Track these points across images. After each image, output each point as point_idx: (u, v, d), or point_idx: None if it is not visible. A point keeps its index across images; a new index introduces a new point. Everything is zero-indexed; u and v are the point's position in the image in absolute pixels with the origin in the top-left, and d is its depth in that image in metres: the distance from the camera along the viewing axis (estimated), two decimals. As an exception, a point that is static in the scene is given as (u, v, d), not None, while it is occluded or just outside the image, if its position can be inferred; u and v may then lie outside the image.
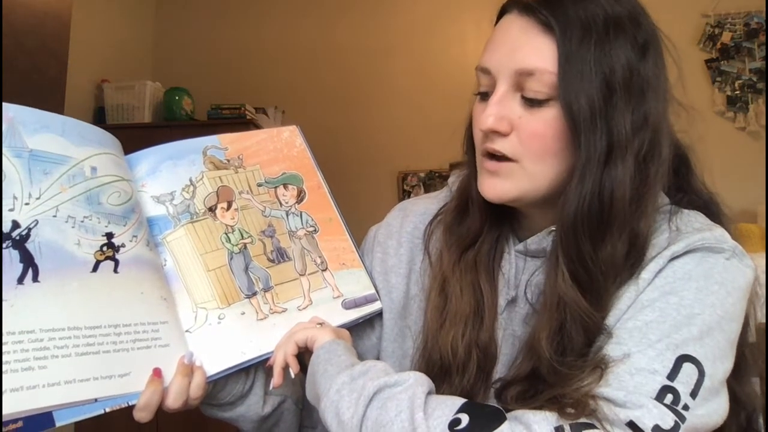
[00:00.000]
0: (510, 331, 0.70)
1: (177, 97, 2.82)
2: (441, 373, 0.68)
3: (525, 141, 0.61)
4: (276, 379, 0.66)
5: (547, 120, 0.60)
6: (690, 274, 0.60)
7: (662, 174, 0.62)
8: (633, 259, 0.61)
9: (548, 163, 0.61)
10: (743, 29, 3.00)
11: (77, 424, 0.57)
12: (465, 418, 0.54)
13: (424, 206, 0.81)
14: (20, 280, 0.53)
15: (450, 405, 0.56)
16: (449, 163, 0.73)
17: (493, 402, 0.66)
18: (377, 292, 0.79)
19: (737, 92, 2.97)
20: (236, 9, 3.37)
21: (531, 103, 0.61)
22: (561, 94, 0.59)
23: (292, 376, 0.67)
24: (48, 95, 1.77)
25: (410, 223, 0.81)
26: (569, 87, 0.58)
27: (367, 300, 0.77)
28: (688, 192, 0.70)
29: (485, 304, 0.69)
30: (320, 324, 0.70)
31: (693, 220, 0.65)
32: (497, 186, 0.64)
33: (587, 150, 0.58)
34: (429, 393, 0.58)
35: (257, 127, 2.83)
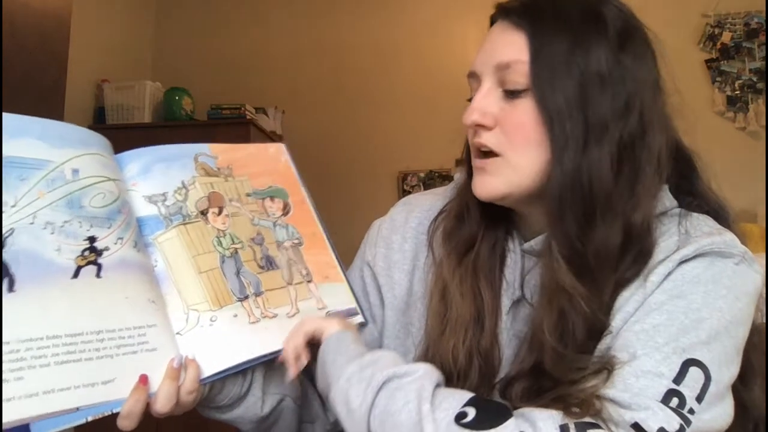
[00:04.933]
0: (514, 332, 0.70)
1: (177, 97, 2.82)
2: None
3: (508, 132, 0.64)
4: (291, 371, 0.66)
5: (527, 110, 0.62)
6: (699, 278, 0.60)
7: (652, 162, 0.62)
8: (634, 253, 0.61)
9: (531, 152, 0.63)
10: (743, 29, 2.99)
11: (76, 427, 0.56)
12: (471, 412, 0.54)
13: (430, 202, 0.81)
14: None
15: (458, 398, 0.56)
16: (455, 159, 0.74)
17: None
18: (359, 306, 0.79)
19: (737, 92, 2.96)
20: (236, 9, 3.36)
21: (511, 95, 0.64)
22: (533, 82, 0.62)
23: (304, 362, 0.66)
24: (48, 95, 1.77)
25: (415, 218, 0.81)
26: (541, 75, 0.61)
27: (349, 313, 0.77)
28: (696, 196, 0.70)
29: (486, 310, 0.69)
30: (328, 313, 0.70)
31: (702, 223, 0.65)
32: (486, 183, 0.66)
33: (562, 135, 0.60)
34: (438, 385, 0.59)
35: (257, 127, 2.84)
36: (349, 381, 0.60)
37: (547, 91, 0.61)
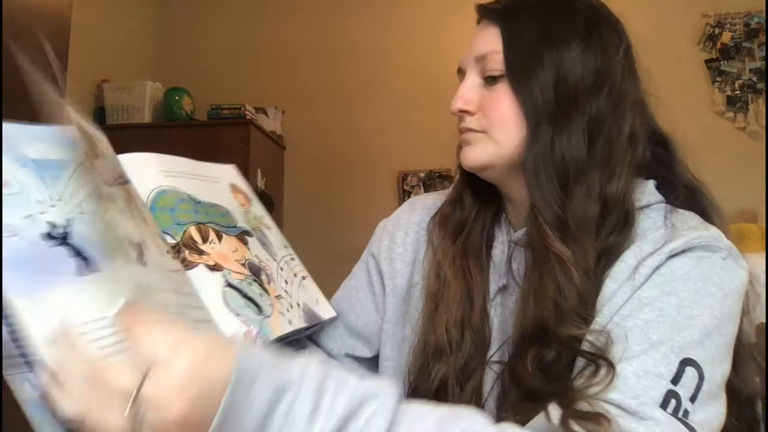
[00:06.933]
0: (503, 318, 0.73)
1: (177, 97, 2.83)
2: (436, 352, 0.72)
3: (488, 115, 0.71)
4: None
5: (504, 93, 0.69)
6: (689, 275, 0.60)
7: (624, 136, 0.67)
8: (613, 220, 0.65)
9: (510, 130, 0.69)
10: (743, 29, 2.99)
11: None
12: None
13: (433, 201, 0.85)
14: (80, 273, 0.54)
15: None
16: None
17: (496, 384, 0.68)
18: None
19: (737, 92, 2.96)
20: (236, 9, 3.36)
21: (490, 82, 0.71)
22: (507, 68, 0.69)
23: None
24: (48, 95, 1.76)
25: (417, 215, 0.86)
26: (513, 61, 0.68)
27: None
28: (674, 182, 0.72)
29: (475, 288, 0.73)
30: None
31: (689, 218, 0.67)
32: (469, 153, 0.72)
33: (536, 114, 0.67)
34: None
35: (257, 127, 2.84)
36: None
37: (520, 75, 0.68)
